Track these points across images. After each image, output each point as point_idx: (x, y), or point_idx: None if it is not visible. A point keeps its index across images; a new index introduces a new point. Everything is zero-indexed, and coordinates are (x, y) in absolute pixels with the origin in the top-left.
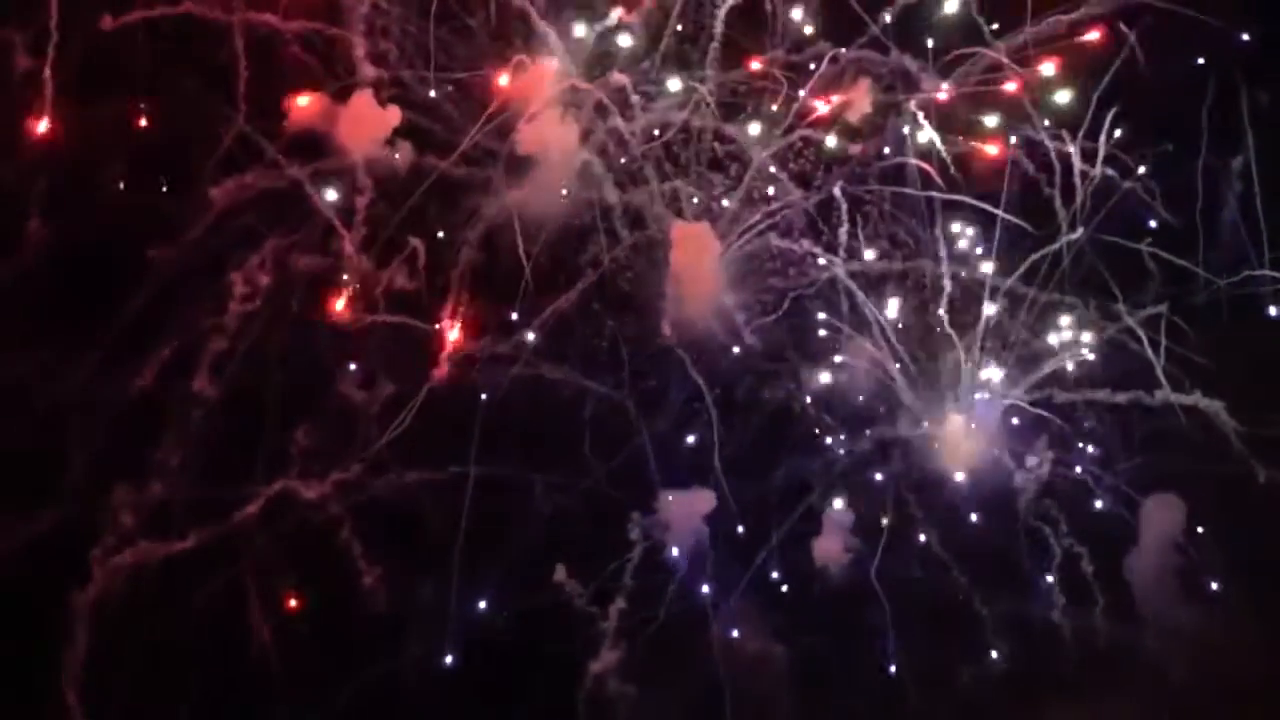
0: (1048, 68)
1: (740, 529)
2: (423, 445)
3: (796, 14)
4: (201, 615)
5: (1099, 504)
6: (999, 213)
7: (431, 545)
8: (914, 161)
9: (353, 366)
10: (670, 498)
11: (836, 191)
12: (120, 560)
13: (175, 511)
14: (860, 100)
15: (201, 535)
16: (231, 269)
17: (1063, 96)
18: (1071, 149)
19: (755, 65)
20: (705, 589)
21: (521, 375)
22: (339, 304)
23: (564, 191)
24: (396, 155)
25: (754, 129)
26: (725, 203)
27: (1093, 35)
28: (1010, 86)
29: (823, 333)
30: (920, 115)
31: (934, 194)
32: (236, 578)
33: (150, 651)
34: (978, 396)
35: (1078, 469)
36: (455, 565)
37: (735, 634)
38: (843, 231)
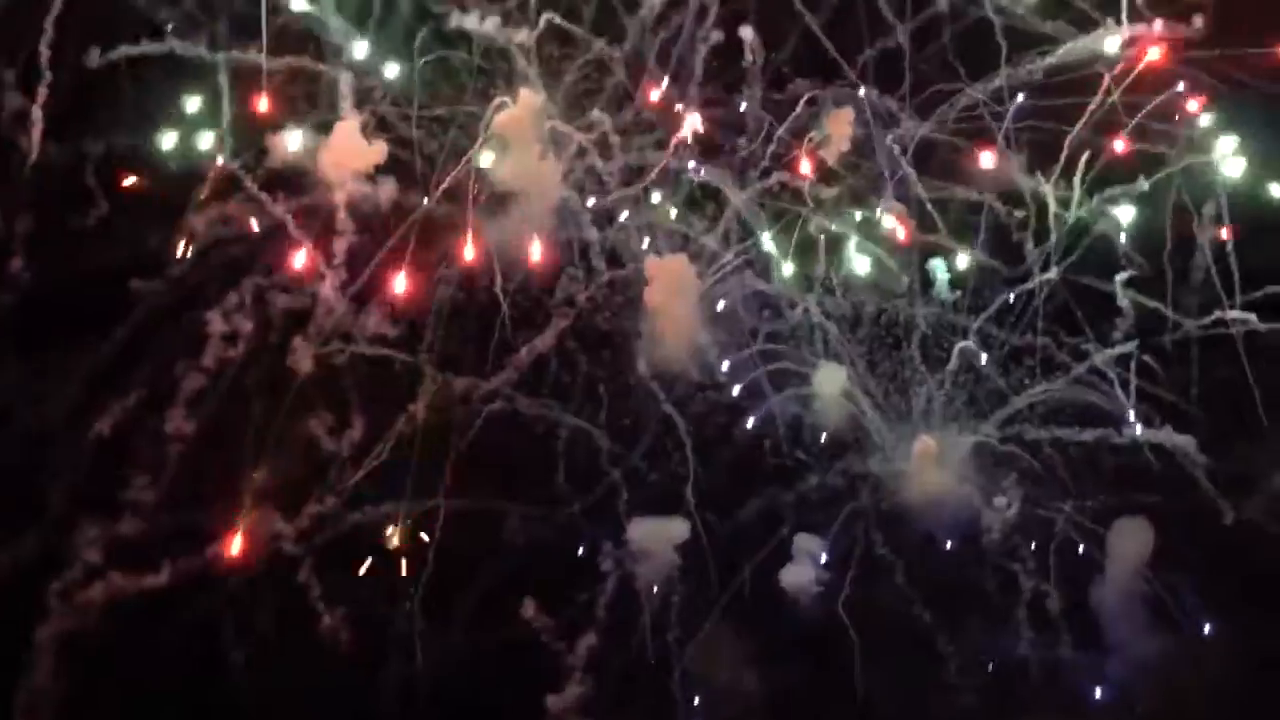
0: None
1: (712, 560)
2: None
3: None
4: (173, 649)
5: (1067, 540)
6: (974, 252)
7: (403, 579)
8: (890, 201)
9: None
10: (642, 526)
11: (811, 230)
12: (88, 595)
13: (146, 545)
14: (842, 133)
15: (174, 569)
16: (209, 307)
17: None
18: (1047, 189)
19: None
20: (675, 620)
21: (496, 411)
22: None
23: (542, 229)
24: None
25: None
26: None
27: None
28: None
29: (796, 368)
30: (898, 152)
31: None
32: (209, 612)
33: (118, 686)
34: (947, 432)
35: (1046, 506)
36: (415, 603)
37: (705, 664)
38: (818, 269)
